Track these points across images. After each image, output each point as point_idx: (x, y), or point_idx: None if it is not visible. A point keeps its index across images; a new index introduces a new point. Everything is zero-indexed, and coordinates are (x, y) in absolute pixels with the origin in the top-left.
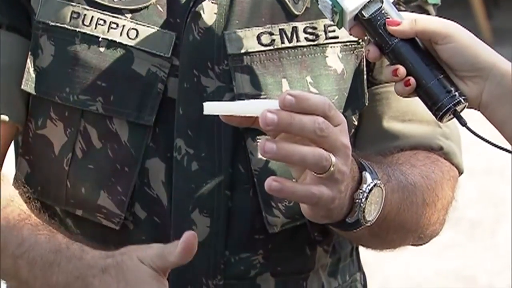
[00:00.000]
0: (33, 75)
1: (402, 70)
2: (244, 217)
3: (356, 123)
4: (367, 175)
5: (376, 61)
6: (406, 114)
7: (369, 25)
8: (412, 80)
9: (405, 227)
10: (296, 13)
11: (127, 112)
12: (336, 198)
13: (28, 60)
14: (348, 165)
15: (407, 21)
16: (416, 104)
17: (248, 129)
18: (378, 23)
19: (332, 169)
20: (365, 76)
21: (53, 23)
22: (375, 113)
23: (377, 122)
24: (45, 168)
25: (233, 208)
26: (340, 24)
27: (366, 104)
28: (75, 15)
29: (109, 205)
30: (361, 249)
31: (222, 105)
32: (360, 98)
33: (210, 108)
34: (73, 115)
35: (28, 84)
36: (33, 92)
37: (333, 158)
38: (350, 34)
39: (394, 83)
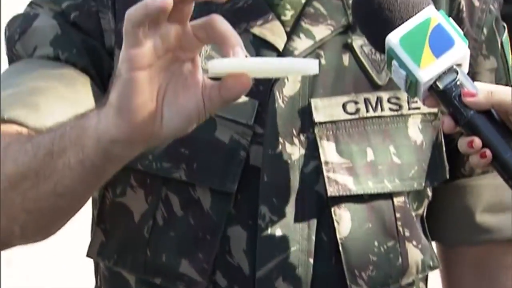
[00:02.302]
0: None
1: (477, 142)
2: (327, 286)
3: (430, 194)
4: None
5: (452, 132)
6: (497, 205)
7: (444, 96)
8: (488, 152)
9: None
10: (380, 83)
11: (210, 179)
12: None
13: None
14: None
15: (482, 93)
16: (507, 193)
17: (334, 197)
18: (453, 94)
19: None
20: (444, 148)
21: None
22: (466, 206)
23: (468, 216)
24: (123, 236)
25: (317, 276)
26: (413, 94)
27: (447, 177)
28: None
29: (191, 273)
30: None
31: (232, 62)
32: (439, 170)
33: (217, 66)
34: (154, 182)
35: None
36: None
37: None
38: (424, 105)
39: (481, 173)
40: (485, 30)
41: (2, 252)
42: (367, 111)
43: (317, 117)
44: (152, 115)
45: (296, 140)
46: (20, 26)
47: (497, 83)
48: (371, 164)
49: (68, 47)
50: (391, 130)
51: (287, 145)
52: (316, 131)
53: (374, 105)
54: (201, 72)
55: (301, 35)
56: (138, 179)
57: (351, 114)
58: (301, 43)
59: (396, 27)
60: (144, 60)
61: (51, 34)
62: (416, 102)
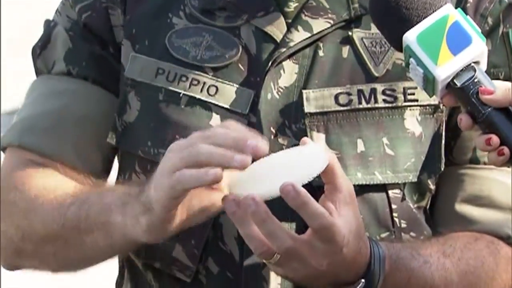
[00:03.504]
0: (120, 130)
1: (495, 139)
2: None
3: (432, 187)
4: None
5: (469, 129)
6: (480, 199)
7: (462, 94)
8: (505, 149)
9: None
10: (376, 75)
11: None
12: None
13: (116, 115)
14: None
15: (500, 90)
16: (491, 189)
17: (320, 187)
18: (471, 91)
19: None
20: (443, 141)
21: (140, 79)
22: (448, 194)
23: (449, 204)
24: None
25: None
26: (431, 92)
27: (442, 168)
28: (160, 71)
29: (182, 257)
30: None
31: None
32: (437, 162)
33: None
34: (154, 168)
35: (114, 138)
36: (118, 146)
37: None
38: (441, 103)
39: (471, 164)
40: (489, 20)
41: None
42: (360, 102)
43: (308, 108)
44: (179, 226)
45: (288, 131)
46: (41, 39)
47: (491, 68)
48: (361, 155)
49: (78, 61)
50: (385, 122)
51: (279, 135)
52: (306, 122)
53: (367, 97)
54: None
55: (299, 27)
56: (141, 165)
57: (343, 105)
58: (298, 35)
59: (413, 25)
60: (178, 204)
61: (64, 49)
62: (414, 94)
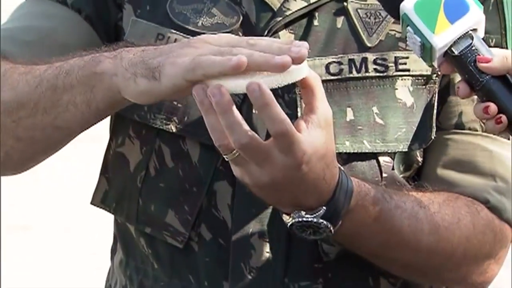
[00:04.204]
0: None
1: (493, 107)
2: (303, 245)
3: (420, 159)
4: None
5: (466, 98)
6: (462, 164)
7: (459, 62)
8: (503, 117)
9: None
10: (369, 45)
11: (200, 133)
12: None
13: None
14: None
15: (498, 58)
16: (474, 155)
17: None
18: (468, 59)
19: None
20: (435, 111)
21: (139, 44)
22: (432, 159)
23: (432, 168)
24: (121, 185)
25: (293, 235)
26: (429, 60)
27: (433, 138)
28: (160, 37)
29: (175, 223)
30: None
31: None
32: (428, 132)
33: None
34: (149, 133)
35: None
36: None
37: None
38: (439, 71)
39: (456, 129)
40: None
41: (20, 217)
42: (350, 72)
43: None
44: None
45: (280, 100)
46: None
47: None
48: (350, 123)
49: None
50: (376, 91)
51: None
52: (297, 91)
53: (358, 66)
54: None
55: None
56: (135, 130)
57: (333, 75)
58: (295, 4)
59: None
60: (188, 88)
61: None
62: (405, 64)
